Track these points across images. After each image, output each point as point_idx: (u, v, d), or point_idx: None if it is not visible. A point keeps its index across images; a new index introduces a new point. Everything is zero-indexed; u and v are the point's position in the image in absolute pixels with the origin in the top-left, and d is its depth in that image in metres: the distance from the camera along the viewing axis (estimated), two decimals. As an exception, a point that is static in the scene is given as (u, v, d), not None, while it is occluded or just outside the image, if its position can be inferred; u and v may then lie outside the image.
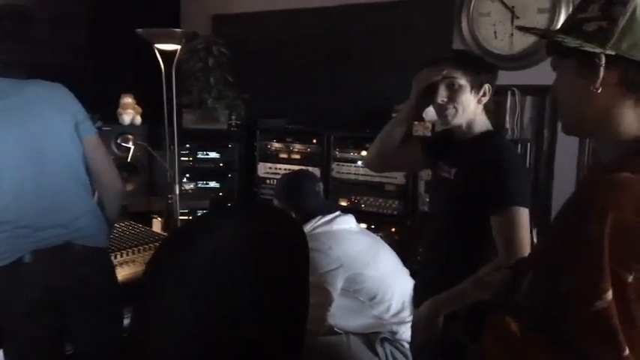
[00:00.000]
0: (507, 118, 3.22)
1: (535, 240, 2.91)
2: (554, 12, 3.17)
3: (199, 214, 3.73)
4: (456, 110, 1.85)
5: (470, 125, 1.88)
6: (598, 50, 0.99)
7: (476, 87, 1.84)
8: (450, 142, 1.96)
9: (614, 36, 0.98)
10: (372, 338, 2.32)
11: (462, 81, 1.83)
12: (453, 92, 1.84)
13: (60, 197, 2.00)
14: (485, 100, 1.86)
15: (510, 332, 1.00)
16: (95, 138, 2.14)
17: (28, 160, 1.94)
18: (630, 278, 0.88)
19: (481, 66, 1.89)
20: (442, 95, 1.85)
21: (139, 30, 3.02)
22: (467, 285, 1.68)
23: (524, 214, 1.73)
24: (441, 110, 1.88)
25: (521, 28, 1.17)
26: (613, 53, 0.99)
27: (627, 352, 0.87)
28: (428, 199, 3.27)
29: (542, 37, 1.10)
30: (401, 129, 2.08)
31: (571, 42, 1.01)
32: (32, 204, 1.94)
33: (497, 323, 1.03)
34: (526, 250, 1.69)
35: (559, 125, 2.55)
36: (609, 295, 0.88)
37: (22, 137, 1.93)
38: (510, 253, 1.68)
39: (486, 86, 1.85)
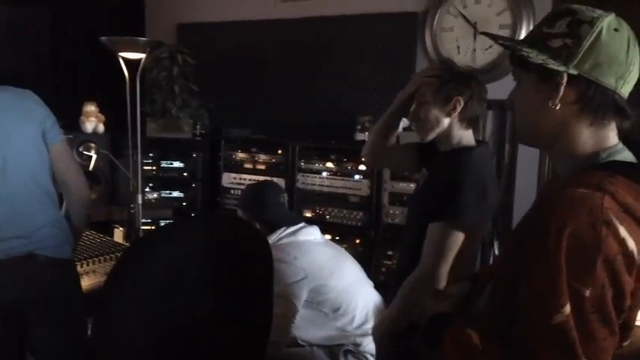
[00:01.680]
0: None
1: (497, 252, 2.97)
2: (515, 28, 3.26)
3: (162, 224, 3.69)
4: (424, 126, 1.85)
5: (445, 139, 1.87)
6: (562, 69, 1.01)
7: (441, 101, 1.82)
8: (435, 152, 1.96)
9: (579, 55, 1.00)
10: (336, 350, 2.32)
11: (428, 97, 1.83)
12: (421, 109, 1.85)
13: (21, 208, 1.96)
14: (455, 112, 1.82)
15: (471, 343, 1.02)
16: (62, 145, 2.10)
17: None
18: (588, 292, 0.90)
19: (450, 79, 1.83)
20: (412, 112, 1.87)
21: (103, 38, 2.98)
22: (403, 298, 1.73)
23: (451, 234, 1.71)
24: (415, 126, 1.89)
25: (487, 35, 1.17)
26: (575, 73, 1.00)
27: (585, 363, 0.89)
28: (392, 211, 3.30)
29: (507, 49, 1.10)
30: (392, 122, 2.03)
31: (536, 58, 1.02)
32: None
33: (458, 334, 1.04)
34: (437, 269, 1.69)
35: (519, 139, 2.60)
36: (567, 308, 0.90)
37: None
38: (424, 265, 1.73)
39: (455, 99, 1.80)
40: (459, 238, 1.72)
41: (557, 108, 1.03)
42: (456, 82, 1.82)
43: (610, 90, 1.01)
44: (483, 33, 1.23)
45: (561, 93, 1.02)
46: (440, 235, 1.73)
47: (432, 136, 1.87)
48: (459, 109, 1.82)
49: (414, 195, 2.07)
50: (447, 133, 1.85)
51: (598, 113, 1.03)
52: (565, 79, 1.01)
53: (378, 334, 1.84)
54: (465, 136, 1.87)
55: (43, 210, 2.03)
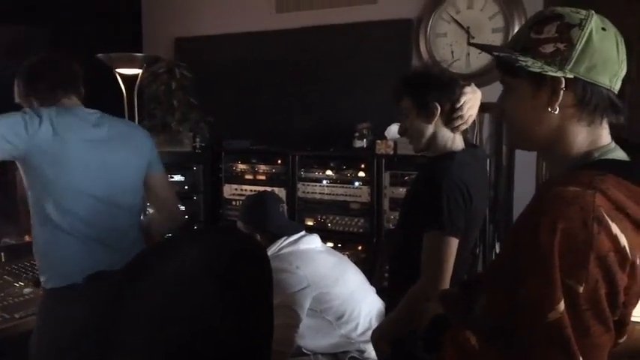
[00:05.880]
0: (467, 135, 3.29)
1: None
2: (507, 31, 3.28)
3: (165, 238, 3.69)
4: (412, 137, 1.89)
5: (431, 145, 1.88)
6: (559, 74, 1.01)
7: (419, 109, 1.84)
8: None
9: (573, 59, 1.01)
10: (341, 358, 2.32)
11: (408, 109, 1.86)
12: (406, 121, 1.89)
13: (124, 232, 2.13)
14: (434, 118, 1.83)
15: (469, 345, 1.02)
16: (165, 175, 2.34)
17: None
18: (581, 289, 0.91)
19: (421, 87, 1.84)
20: (399, 127, 1.91)
21: (100, 55, 3.01)
22: (407, 307, 1.74)
23: (445, 242, 1.72)
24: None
25: (478, 46, 1.17)
26: (572, 76, 1.01)
27: (581, 360, 0.90)
28: (393, 217, 3.31)
29: (503, 61, 1.09)
30: None
31: (533, 66, 1.03)
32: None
33: (457, 337, 1.05)
34: (440, 278, 1.69)
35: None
36: (561, 306, 0.91)
37: (106, 164, 2.05)
38: (426, 276, 1.72)
39: (432, 105, 1.82)
40: (453, 243, 1.72)
41: (556, 112, 1.04)
42: (432, 89, 1.83)
43: (605, 89, 1.03)
44: (474, 45, 1.23)
45: (560, 98, 1.03)
46: (435, 245, 1.73)
47: (422, 145, 1.89)
48: (437, 114, 1.83)
49: (404, 202, 2.08)
50: (433, 139, 1.87)
51: (596, 113, 1.04)
52: (563, 84, 1.02)
53: (375, 338, 1.85)
54: (453, 141, 1.88)
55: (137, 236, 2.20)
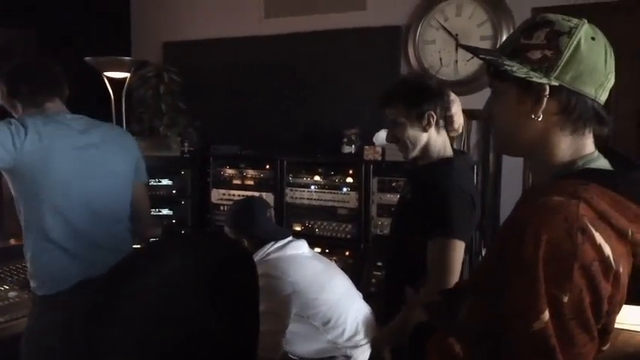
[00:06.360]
0: (454, 142, 3.30)
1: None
2: (495, 39, 3.31)
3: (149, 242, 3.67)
4: (406, 146, 1.89)
5: (425, 153, 1.91)
6: (544, 81, 1.01)
7: (415, 119, 1.86)
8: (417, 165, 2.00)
9: (559, 67, 1.01)
10: (328, 363, 2.33)
11: (401, 118, 1.86)
12: (397, 130, 1.88)
13: (114, 233, 2.14)
14: (430, 127, 1.86)
15: (453, 353, 1.03)
16: (145, 185, 2.35)
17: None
18: (566, 298, 0.91)
19: (416, 96, 1.86)
20: (388, 135, 1.91)
21: (88, 58, 3.00)
22: (404, 318, 1.73)
23: (453, 248, 1.73)
24: (397, 147, 1.93)
25: (466, 48, 1.17)
26: (557, 84, 1.01)
27: (565, 369, 0.91)
28: (380, 222, 3.32)
29: (489, 64, 1.10)
30: None
31: (519, 71, 1.03)
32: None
33: (440, 344, 1.05)
34: (448, 283, 1.69)
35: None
36: (546, 315, 0.91)
37: (97, 167, 2.07)
38: (434, 282, 1.72)
39: (427, 114, 1.85)
40: (461, 248, 1.75)
41: (540, 119, 1.04)
42: (427, 98, 1.86)
43: (590, 99, 1.02)
44: (462, 46, 1.23)
45: (544, 105, 1.03)
46: (443, 251, 1.73)
47: (414, 153, 1.91)
48: (433, 122, 1.86)
49: (398, 208, 2.08)
50: (427, 147, 1.89)
51: (579, 123, 1.04)
52: (547, 91, 1.02)
53: (376, 346, 1.84)
54: (444, 148, 1.92)
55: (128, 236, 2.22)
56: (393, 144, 1.96)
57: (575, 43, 1.01)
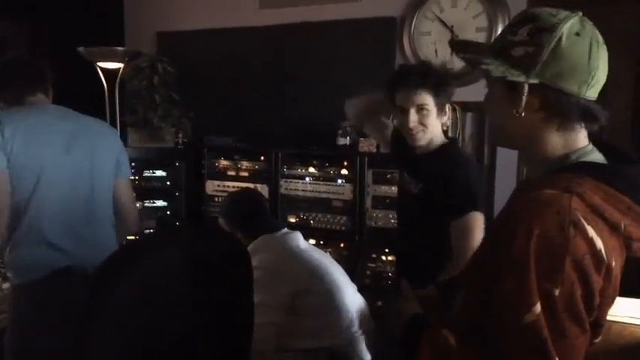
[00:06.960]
0: (449, 134, 3.31)
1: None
2: (491, 31, 3.30)
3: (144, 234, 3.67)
4: (424, 132, 1.98)
5: (430, 141, 2.02)
6: (522, 79, 1.01)
7: (440, 109, 1.98)
8: (412, 155, 2.09)
9: (539, 64, 1.00)
10: (322, 354, 2.32)
11: (431, 106, 1.96)
12: (423, 116, 1.97)
13: (100, 223, 2.17)
14: (445, 118, 2.00)
15: (447, 344, 1.03)
16: (129, 181, 2.33)
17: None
18: (557, 291, 0.92)
19: (445, 88, 1.98)
20: (413, 120, 1.96)
21: (81, 48, 2.98)
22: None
23: (480, 220, 1.86)
24: (410, 132, 1.99)
25: (452, 46, 1.17)
26: (537, 82, 1.01)
27: (557, 361, 0.91)
28: (375, 214, 3.32)
29: (468, 64, 1.11)
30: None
31: (495, 70, 1.03)
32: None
33: (435, 337, 1.06)
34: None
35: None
36: (538, 308, 0.92)
37: (79, 158, 2.08)
38: (464, 255, 1.76)
39: (447, 106, 1.99)
40: (482, 219, 1.87)
41: (523, 116, 1.04)
42: (448, 91, 1.99)
43: (574, 96, 1.01)
44: (450, 43, 1.23)
45: (524, 102, 1.03)
46: (474, 226, 1.85)
47: (425, 141, 2.01)
48: (448, 114, 2.01)
49: (409, 197, 2.13)
50: (434, 135, 2.02)
51: (564, 118, 1.04)
52: (526, 89, 1.01)
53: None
54: (441, 134, 2.06)
55: (111, 231, 2.22)
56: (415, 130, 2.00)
57: (555, 39, 1.00)
